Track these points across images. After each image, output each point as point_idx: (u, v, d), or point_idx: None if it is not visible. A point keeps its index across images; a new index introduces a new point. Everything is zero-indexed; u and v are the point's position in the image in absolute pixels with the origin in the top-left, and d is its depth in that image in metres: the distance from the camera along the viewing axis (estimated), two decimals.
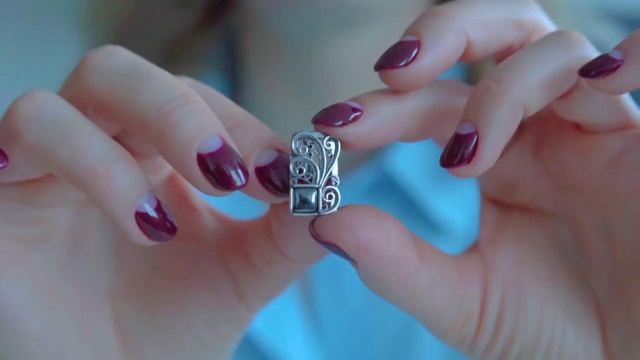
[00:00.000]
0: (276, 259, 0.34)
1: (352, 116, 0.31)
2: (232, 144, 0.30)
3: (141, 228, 0.31)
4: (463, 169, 0.31)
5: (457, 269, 0.33)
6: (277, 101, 0.69)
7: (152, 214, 0.31)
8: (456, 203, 0.65)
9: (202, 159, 0.30)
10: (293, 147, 0.31)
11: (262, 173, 0.31)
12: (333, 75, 0.66)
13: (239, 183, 0.30)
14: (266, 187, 0.31)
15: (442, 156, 0.31)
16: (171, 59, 0.69)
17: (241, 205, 0.65)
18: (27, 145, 0.31)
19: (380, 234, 0.31)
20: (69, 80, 0.33)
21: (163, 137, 0.30)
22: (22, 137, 0.31)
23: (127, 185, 0.30)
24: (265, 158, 0.31)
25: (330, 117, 0.31)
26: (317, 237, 0.31)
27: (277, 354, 0.64)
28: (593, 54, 0.32)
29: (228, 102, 0.33)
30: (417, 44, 0.31)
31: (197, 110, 0.30)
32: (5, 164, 0.32)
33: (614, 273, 0.34)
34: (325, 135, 0.31)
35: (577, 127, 0.34)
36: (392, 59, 0.31)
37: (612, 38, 0.67)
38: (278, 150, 0.31)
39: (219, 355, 0.37)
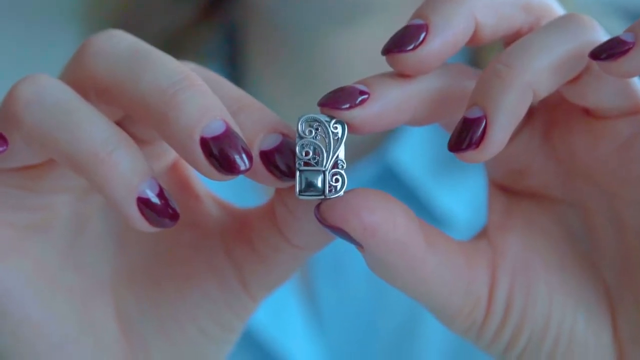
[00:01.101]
0: (281, 247, 0.34)
1: (359, 99, 0.31)
2: (236, 128, 0.30)
3: (143, 214, 0.30)
4: (471, 153, 0.30)
5: (465, 254, 0.33)
6: (279, 94, 0.69)
7: (154, 199, 0.30)
8: (459, 196, 0.65)
9: (205, 143, 0.29)
10: (299, 129, 0.31)
11: (267, 157, 0.31)
12: (335, 68, 0.66)
13: (242, 167, 0.30)
14: (271, 171, 0.31)
15: (449, 140, 0.31)
16: (171, 52, 0.69)
17: (241, 193, 0.65)
18: (27, 128, 0.31)
19: (387, 218, 0.30)
20: (69, 65, 0.33)
21: (166, 120, 0.30)
22: (22, 121, 0.31)
23: (129, 170, 0.30)
24: (270, 142, 0.31)
25: (337, 100, 0.31)
26: (322, 221, 0.31)
27: (279, 347, 0.63)
28: (603, 37, 0.32)
29: (231, 85, 0.33)
30: (425, 28, 0.31)
31: (200, 93, 0.30)
32: (5, 147, 0.31)
33: (624, 260, 0.34)
34: (332, 118, 0.31)
35: (587, 112, 0.34)
36: (400, 43, 0.31)
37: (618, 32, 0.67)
38: (282, 134, 0.31)
39: (222, 346, 0.37)
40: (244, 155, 0.30)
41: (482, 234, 0.35)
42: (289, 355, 0.63)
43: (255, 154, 0.30)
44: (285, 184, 0.31)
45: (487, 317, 0.33)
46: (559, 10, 0.34)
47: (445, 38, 0.31)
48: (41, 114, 0.31)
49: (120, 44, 0.32)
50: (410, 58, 0.31)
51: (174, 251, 0.36)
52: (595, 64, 0.31)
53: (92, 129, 0.30)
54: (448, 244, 0.33)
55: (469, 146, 0.30)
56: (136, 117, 0.31)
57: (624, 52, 0.30)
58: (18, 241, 0.34)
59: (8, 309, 0.34)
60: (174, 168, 0.37)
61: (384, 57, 0.72)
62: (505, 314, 0.33)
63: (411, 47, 0.31)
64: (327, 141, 0.31)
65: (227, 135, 0.29)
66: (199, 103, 0.30)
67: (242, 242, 0.35)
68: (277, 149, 0.31)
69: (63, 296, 0.35)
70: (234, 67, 0.70)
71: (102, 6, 0.73)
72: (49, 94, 0.31)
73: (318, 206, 0.31)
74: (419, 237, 0.31)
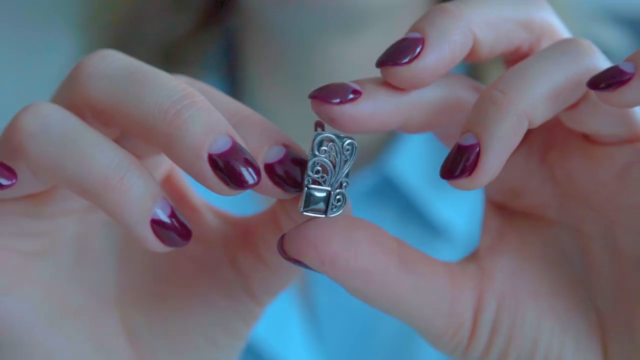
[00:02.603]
0: None
1: (351, 96, 0.30)
2: (242, 142, 0.30)
3: (157, 235, 0.30)
4: (463, 181, 0.30)
5: (449, 275, 0.33)
6: (277, 103, 0.69)
7: (167, 220, 0.30)
8: (457, 206, 0.65)
9: (213, 160, 0.29)
10: (314, 147, 0.31)
11: (272, 169, 0.30)
12: (333, 78, 0.65)
13: (251, 181, 0.30)
14: (276, 183, 0.31)
15: (442, 167, 0.30)
16: (169, 61, 0.69)
17: (239, 201, 0.65)
18: (34, 160, 0.30)
19: (345, 247, 0.30)
20: (63, 88, 0.33)
21: (171, 140, 0.29)
22: (28, 153, 0.30)
23: (142, 194, 0.30)
24: (274, 154, 0.31)
25: (328, 94, 0.30)
26: (283, 255, 0.31)
27: (276, 356, 0.63)
28: (603, 64, 0.31)
29: (227, 98, 0.32)
30: (421, 41, 0.31)
31: (204, 110, 0.30)
32: (14, 181, 0.31)
33: (618, 285, 0.33)
34: (345, 137, 0.31)
35: (585, 136, 0.33)
36: (395, 56, 0.31)
37: (614, 39, 0.67)
38: (284, 146, 0.31)
39: (229, 354, 0.37)
40: (251, 170, 0.30)
41: (473, 257, 0.35)
42: None
43: (261, 167, 0.30)
44: (290, 195, 0.31)
45: (472, 340, 0.33)
46: (561, 30, 0.33)
47: (441, 53, 0.31)
48: (48, 145, 0.30)
49: (115, 63, 0.32)
50: (404, 72, 0.30)
51: (178, 266, 0.36)
52: (593, 93, 0.31)
53: (100, 154, 0.30)
54: (429, 265, 0.32)
55: (461, 173, 0.30)
56: (138, 137, 0.31)
57: (623, 82, 0.30)
58: (25, 268, 0.34)
59: (20, 339, 0.34)
60: (167, 180, 0.37)
61: None
62: (491, 338, 0.33)
63: (406, 60, 0.30)
64: (337, 160, 0.31)
65: (234, 151, 0.29)
66: (203, 121, 0.29)
67: (246, 249, 0.35)
68: (281, 161, 0.31)
69: (73, 319, 0.35)
70: (233, 77, 0.70)
71: (101, 15, 0.73)
72: (53, 123, 0.31)
73: (281, 239, 0.31)
74: (389, 262, 0.31)
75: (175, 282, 0.36)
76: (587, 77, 0.30)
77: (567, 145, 0.34)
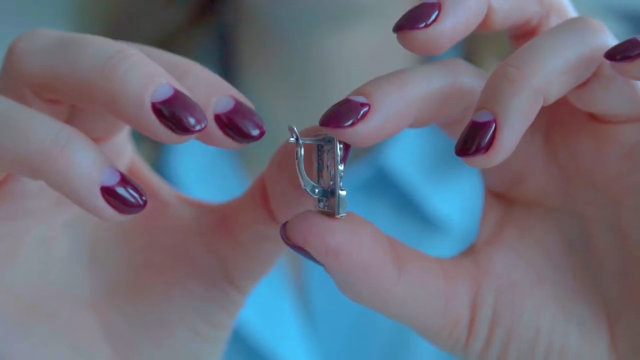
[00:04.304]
0: (267, 233, 0.34)
1: (361, 112, 0.30)
2: (183, 89, 0.29)
3: (110, 203, 0.29)
4: (480, 158, 0.29)
5: (443, 272, 0.33)
6: (272, 96, 0.68)
7: (118, 187, 0.29)
8: (453, 199, 0.65)
9: (156, 108, 0.29)
10: (339, 154, 0.30)
11: (221, 120, 0.30)
12: (329, 70, 0.65)
13: (198, 127, 0.29)
14: (227, 134, 0.30)
15: (456, 145, 0.30)
16: None
17: (226, 186, 0.65)
18: None
19: (351, 239, 0.30)
20: (1, 72, 0.32)
21: (112, 95, 0.29)
22: None
23: (86, 161, 0.29)
24: (223, 105, 0.30)
25: (339, 118, 0.30)
26: (286, 240, 0.30)
27: (273, 352, 0.63)
28: (612, 41, 0.31)
29: (168, 53, 0.32)
30: (437, 6, 0.30)
31: (140, 61, 0.29)
32: None
33: (624, 269, 0.33)
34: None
35: (592, 116, 0.33)
36: (412, 21, 0.30)
37: (615, 35, 0.67)
38: (232, 97, 0.30)
39: (214, 344, 0.36)
40: (197, 115, 0.29)
41: (469, 250, 0.34)
42: (283, 359, 0.63)
43: (210, 117, 0.30)
44: (240, 146, 0.31)
45: (471, 336, 0.33)
46: (569, 7, 0.33)
47: (457, 18, 0.30)
48: None
49: (45, 37, 0.31)
50: (421, 36, 0.30)
51: (152, 260, 0.36)
52: (604, 69, 0.31)
53: (38, 128, 0.29)
54: (422, 262, 0.32)
55: (477, 151, 0.29)
56: (82, 103, 0.31)
57: None
58: None
59: None
60: (131, 173, 0.36)
61: (377, 60, 0.72)
62: (491, 332, 0.33)
63: (423, 25, 0.30)
64: (335, 160, 0.31)
65: (177, 97, 0.29)
66: (140, 70, 0.29)
67: (223, 235, 0.35)
68: (231, 112, 0.30)
69: (46, 323, 0.34)
70: (227, 70, 0.70)
71: (93, 10, 0.72)
72: None
73: (284, 225, 0.31)
74: (386, 259, 0.31)
75: (151, 276, 0.36)
76: (599, 54, 0.30)
77: (573, 126, 0.34)
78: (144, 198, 0.30)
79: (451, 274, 0.33)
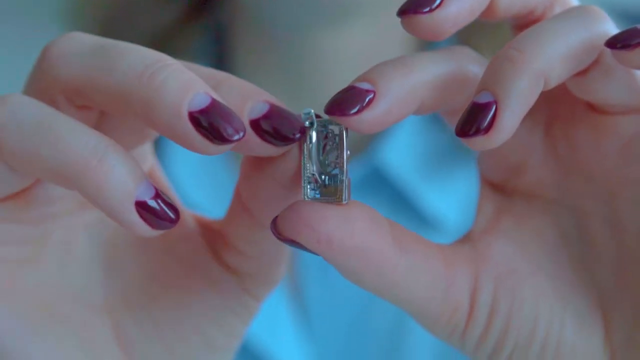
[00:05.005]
0: (265, 237, 0.33)
1: (367, 99, 0.30)
2: (220, 99, 0.29)
3: (143, 218, 0.29)
4: (480, 139, 0.29)
5: (443, 257, 0.33)
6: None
7: (152, 202, 0.29)
8: (448, 197, 0.65)
9: (194, 117, 0.28)
10: (345, 139, 0.30)
11: (258, 125, 0.30)
12: (324, 68, 0.65)
13: (236, 136, 0.29)
14: (264, 139, 0.30)
15: (457, 126, 0.30)
16: None
17: (220, 187, 0.64)
18: (8, 152, 0.30)
19: (342, 226, 0.30)
20: (32, 76, 0.32)
21: (149, 103, 0.29)
22: (1, 145, 0.30)
23: (123, 175, 0.29)
24: (258, 110, 0.30)
25: (344, 106, 0.30)
26: (278, 236, 0.30)
27: (268, 353, 0.63)
28: (614, 30, 0.31)
29: (204, 67, 0.32)
30: None
31: (178, 70, 0.29)
32: None
33: (620, 262, 0.33)
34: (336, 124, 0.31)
35: (591, 107, 0.33)
36: (417, 4, 0.30)
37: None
38: (267, 102, 0.30)
39: (225, 354, 0.36)
40: (236, 124, 0.29)
41: (467, 238, 0.34)
42: None
43: (246, 123, 0.30)
44: (280, 151, 0.31)
45: (470, 322, 0.33)
46: (574, 0, 0.34)
47: (462, 4, 0.31)
48: (20, 134, 0.29)
49: (82, 42, 0.31)
50: (425, 20, 0.30)
51: (168, 268, 0.36)
52: (605, 57, 0.31)
53: (77, 138, 0.29)
54: (423, 246, 0.32)
55: (477, 132, 0.29)
56: (116, 110, 0.30)
57: None
58: (10, 278, 0.33)
59: (9, 349, 0.33)
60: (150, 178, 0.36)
61: (372, 57, 0.72)
62: (489, 320, 0.33)
63: (427, 9, 0.30)
64: (342, 147, 0.31)
65: (214, 106, 0.29)
66: (179, 79, 0.29)
67: (226, 248, 0.35)
68: (266, 116, 0.30)
69: (62, 326, 0.34)
70: (222, 67, 0.70)
71: (88, 6, 0.72)
72: (24, 113, 0.30)
73: (274, 221, 0.30)
74: (385, 242, 0.31)
75: (167, 284, 0.35)
76: (600, 41, 0.31)
77: (572, 116, 0.34)
78: (176, 213, 0.30)
79: (450, 260, 0.33)
